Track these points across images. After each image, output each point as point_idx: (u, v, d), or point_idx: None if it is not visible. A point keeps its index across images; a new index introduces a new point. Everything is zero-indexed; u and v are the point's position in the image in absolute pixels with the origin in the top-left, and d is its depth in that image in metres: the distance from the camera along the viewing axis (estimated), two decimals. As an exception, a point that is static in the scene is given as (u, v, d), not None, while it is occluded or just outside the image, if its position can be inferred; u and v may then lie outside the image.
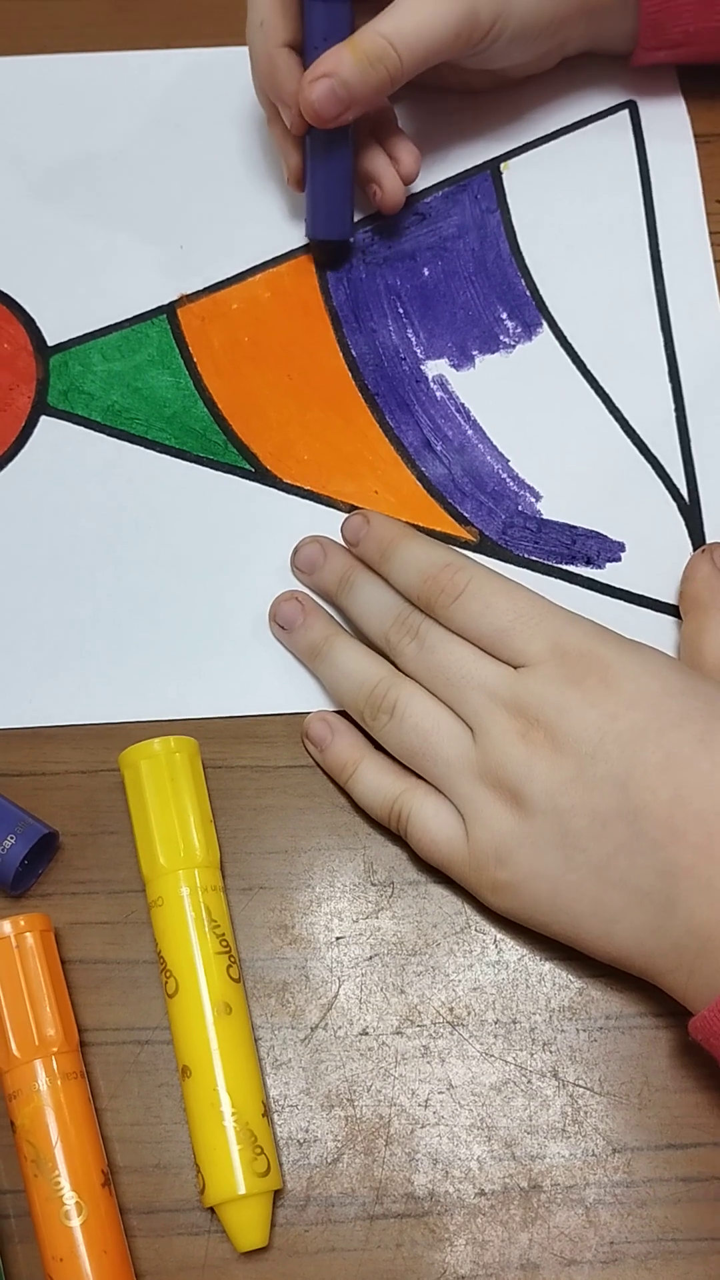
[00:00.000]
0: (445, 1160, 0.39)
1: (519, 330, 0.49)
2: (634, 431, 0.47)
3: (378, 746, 0.42)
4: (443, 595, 0.41)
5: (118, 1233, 0.37)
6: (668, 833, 0.36)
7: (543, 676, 0.39)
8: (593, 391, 0.48)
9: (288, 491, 0.47)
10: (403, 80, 0.45)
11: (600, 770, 0.37)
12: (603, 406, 0.48)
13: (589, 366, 0.49)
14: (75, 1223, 0.37)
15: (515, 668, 0.39)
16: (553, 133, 0.53)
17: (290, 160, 0.49)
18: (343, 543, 0.45)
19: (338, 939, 0.41)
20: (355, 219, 0.50)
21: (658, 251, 0.50)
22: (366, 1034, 0.40)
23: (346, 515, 0.45)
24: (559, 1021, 0.40)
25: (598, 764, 0.37)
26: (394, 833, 0.42)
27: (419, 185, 0.51)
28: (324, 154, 0.47)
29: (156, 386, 0.49)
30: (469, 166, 0.52)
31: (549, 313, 0.49)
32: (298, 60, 0.46)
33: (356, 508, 0.47)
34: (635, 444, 0.47)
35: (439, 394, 0.48)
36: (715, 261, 0.50)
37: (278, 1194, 0.38)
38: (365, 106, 0.45)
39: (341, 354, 0.49)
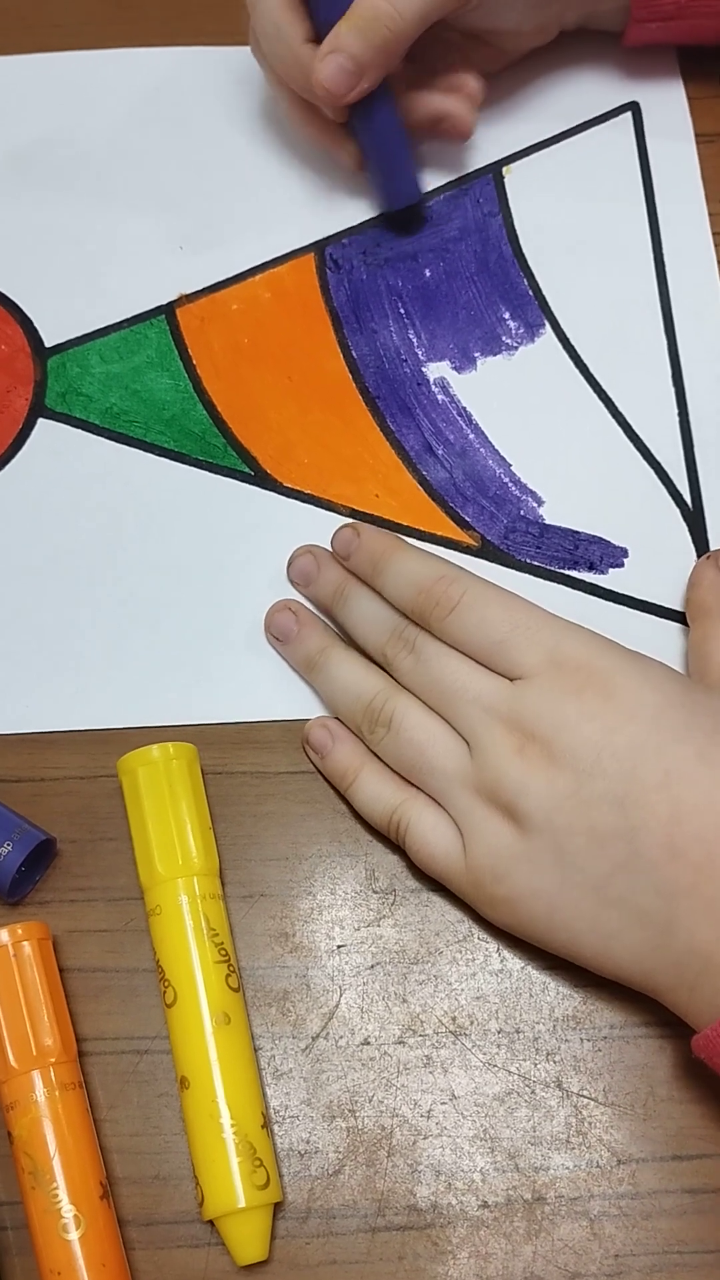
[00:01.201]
0: (448, 1172, 0.38)
1: (521, 331, 0.49)
2: (637, 436, 0.47)
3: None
4: (437, 609, 0.40)
5: (116, 1246, 0.37)
6: (667, 852, 0.36)
7: (539, 689, 0.38)
8: (595, 395, 0.48)
9: (287, 495, 0.47)
10: (407, 37, 0.45)
11: (598, 788, 0.37)
12: (605, 410, 0.48)
13: (592, 370, 0.48)
14: (73, 1236, 0.36)
15: (512, 680, 0.39)
16: (555, 136, 0.52)
17: (344, 150, 0.49)
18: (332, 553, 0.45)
19: (339, 947, 0.41)
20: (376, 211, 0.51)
21: (661, 254, 0.50)
22: (368, 1044, 0.40)
23: (338, 528, 0.44)
24: (563, 1031, 0.40)
25: (595, 781, 0.37)
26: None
27: (426, 187, 0.51)
28: (372, 127, 0.47)
29: (155, 389, 0.48)
30: (471, 170, 0.51)
31: (551, 313, 0.49)
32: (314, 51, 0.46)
33: (357, 512, 0.46)
34: (638, 448, 0.47)
35: (440, 397, 0.48)
36: (719, 264, 0.50)
37: (278, 1206, 0.38)
38: (379, 71, 0.45)
39: (342, 356, 0.49)
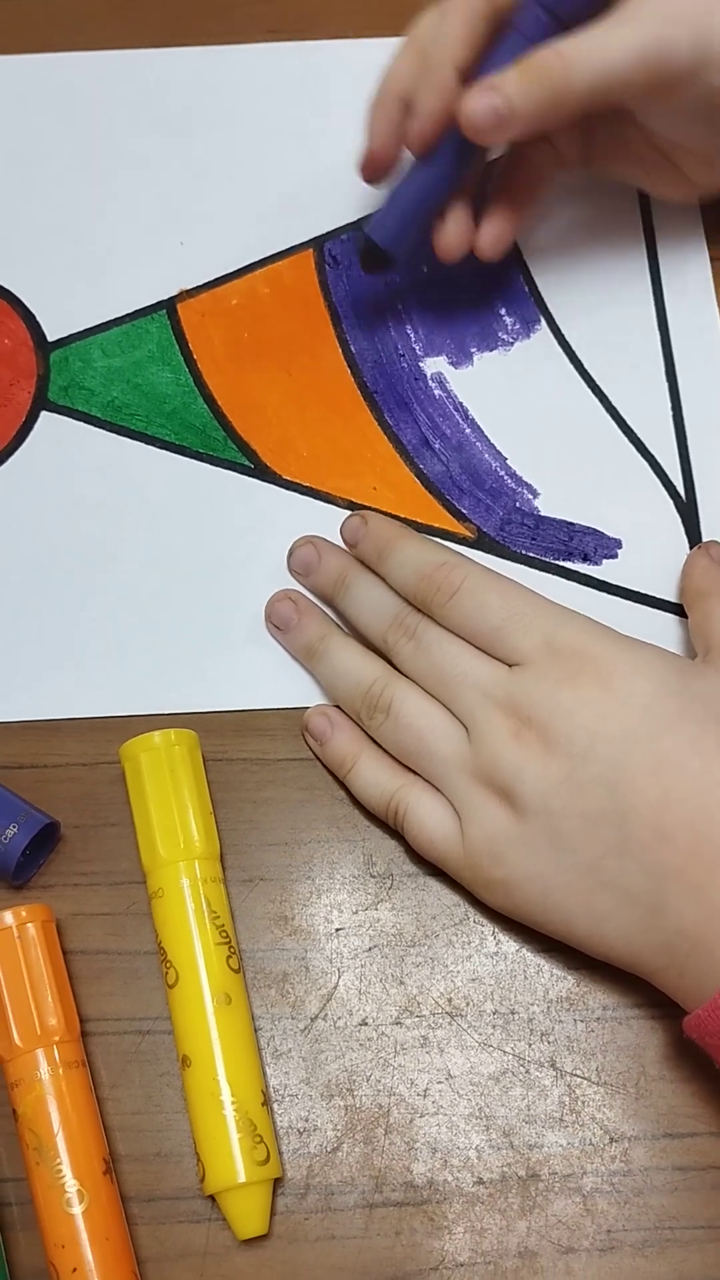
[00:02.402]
0: (444, 1149, 0.39)
1: (517, 327, 0.50)
2: (631, 429, 0.48)
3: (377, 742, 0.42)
4: (438, 594, 0.41)
5: (119, 1220, 0.37)
6: (656, 836, 0.36)
7: (535, 675, 0.39)
8: (590, 389, 0.49)
9: (287, 488, 0.48)
10: (571, 105, 0.42)
11: (591, 772, 0.37)
12: (600, 404, 0.48)
13: (586, 364, 0.49)
14: (77, 1210, 0.37)
15: (510, 666, 0.40)
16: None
17: (381, 163, 0.46)
18: (338, 543, 0.45)
19: (337, 930, 0.42)
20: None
21: (654, 248, 0.51)
22: (366, 1024, 0.40)
23: (346, 516, 0.45)
24: (557, 1012, 0.40)
25: (588, 766, 0.37)
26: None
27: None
28: (431, 173, 0.45)
29: (156, 382, 0.49)
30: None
31: (547, 309, 0.50)
32: (459, 85, 0.43)
33: (355, 504, 0.47)
34: (632, 441, 0.48)
35: (437, 392, 0.49)
36: (712, 259, 0.50)
37: (278, 1182, 0.39)
38: (526, 128, 0.42)
39: (341, 351, 0.49)
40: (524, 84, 0.41)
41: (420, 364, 0.49)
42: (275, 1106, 0.39)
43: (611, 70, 0.41)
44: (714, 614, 0.42)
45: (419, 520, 0.47)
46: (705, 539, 0.46)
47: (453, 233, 0.46)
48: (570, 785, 0.37)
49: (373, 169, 0.46)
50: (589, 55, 0.41)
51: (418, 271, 0.50)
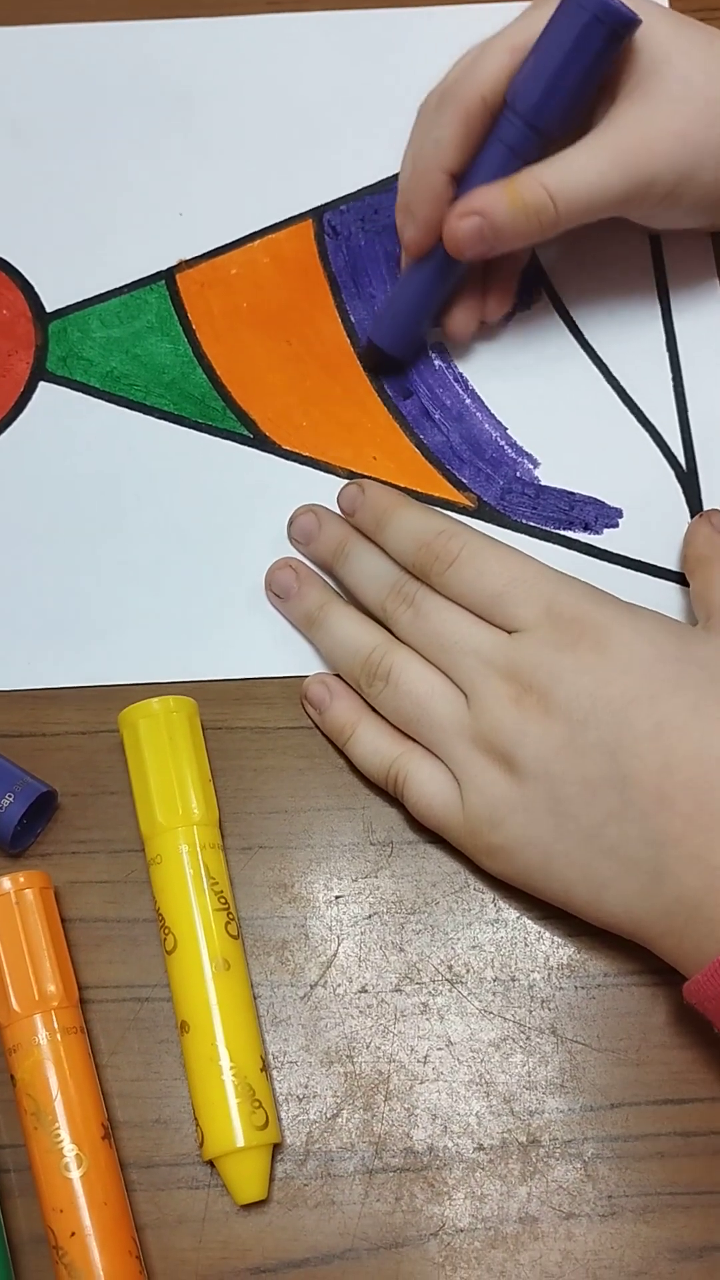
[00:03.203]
0: (444, 1115, 0.39)
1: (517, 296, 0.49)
2: (631, 399, 0.48)
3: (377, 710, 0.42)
4: (437, 562, 0.41)
5: (118, 1185, 0.37)
6: (656, 801, 0.36)
7: (536, 641, 0.39)
8: (590, 359, 0.48)
9: (286, 458, 0.47)
10: (556, 230, 0.43)
11: (591, 737, 0.37)
12: (600, 374, 0.48)
13: (586, 334, 0.49)
14: (75, 1174, 0.37)
15: (510, 633, 0.40)
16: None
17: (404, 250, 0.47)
18: (334, 512, 0.45)
19: (337, 898, 0.41)
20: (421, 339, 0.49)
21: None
22: (366, 991, 0.40)
23: (343, 485, 0.45)
24: (557, 979, 0.40)
25: (589, 730, 0.37)
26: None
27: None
28: (425, 276, 0.46)
29: (155, 353, 0.49)
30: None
31: (547, 278, 0.50)
32: (450, 190, 0.44)
33: (355, 474, 0.47)
34: (632, 411, 0.48)
35: (437, 362, 0.49)
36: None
37: (277, 1149, 0.38)
38: (507, 249, 0.44)
39: (340, 321, 0.49)
40: (508, 211, 0.42)
41: (420, 335, 0.49)
42: (275, 1073, 0.39)
43: (594, 201, 0.42)
44: (715, 580, 0.42)
45: (419, 490, 0.47)
46: (706, 508, 0.46)
47: (461, 321, 0.48)
48: (571, 750, 0.37)
49: (419, 257, 0.47)
50: (573, 188, 0.42)
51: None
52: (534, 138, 0.43)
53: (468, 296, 0.47)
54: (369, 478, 0.47)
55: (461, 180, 0.44)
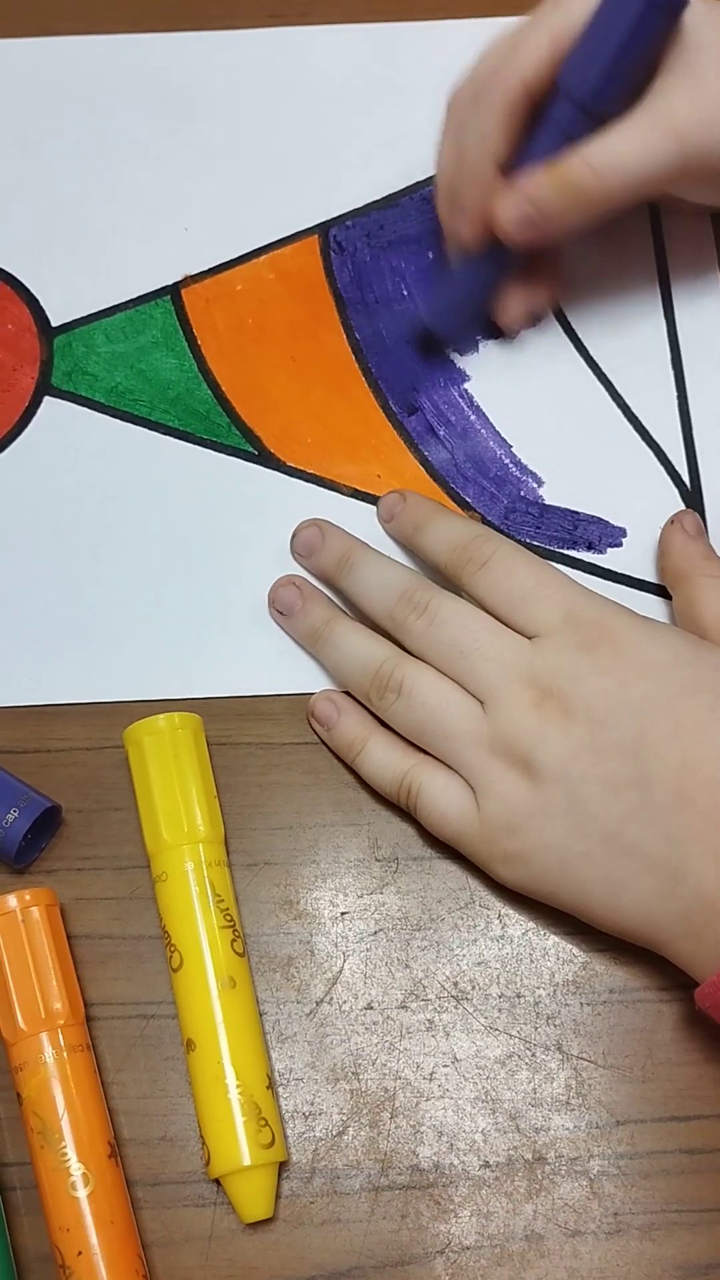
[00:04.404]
0: (450, 1133, 0.39)
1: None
2: (636, 417, 0.48)
3: (384, 724, 0.42)
4: (470, 563, 0.42)
5: (124, 1204, 0.37)
6: (677, 799, 0.37)
7: (557, 645, 0.39)
8: (595, 377, 0.49)
9: (290, 474, 0.47)
10: (603, 210, 0.43)
11: (611, 737, 0.38)
12: (605, 392, 0.48)
13: (591, 352, 0.49)
14: (82, 1193, 0.37)
15: (529, 639, 0.40)
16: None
17: (454, 244, 0.47)
18: (338, 525, 0.45)
19: (342, 914, 0.41)
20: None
21: (661, 235, 0.51)
22: (371, 1008, 0.40)
23: (386, 494, 0.46)
24: (563, 995, 0.40)
25: (609, 731, 0.38)
26: (401, 809, 0.42)
27: (425, 172, 0.51)
28: (477, 262, 0.46)
29: (160, 368, 0.49)
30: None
31: (553, 297, 0.50)
32: (497, 177, 0.44)
33: (360, 491, 0.47)
34: (637, 430, 0.48)
35: (443, 378, 0.49)
36: (717, 243, 0.50)
37: (283, 1166, 0.38)
38: (557, 232, 0.44)
39: (345, 337, 0.49)
40: (556, 193, 0.42)
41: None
42: (280, 1090, 0.39)
43: (643, 176, 0.42)
44: (700, 600, 0.42)
45: (423, 507, 0.47)
46: (712, 528, 0.46)
47: (514, 311, 0.48)
48: (592, 751, 0.38)
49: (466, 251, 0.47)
50: (621, 165, 0.42)
51: (423, 257, 0.50)
52: (587, 122, 0.42)
53: (519, 287, 0.48)
54: (373, 497, 0.47)
55: (510, 169, 0.44)
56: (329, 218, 0.51)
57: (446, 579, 0.43)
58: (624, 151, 0.42)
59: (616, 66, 0.41)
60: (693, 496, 0.47)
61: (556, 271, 0.49)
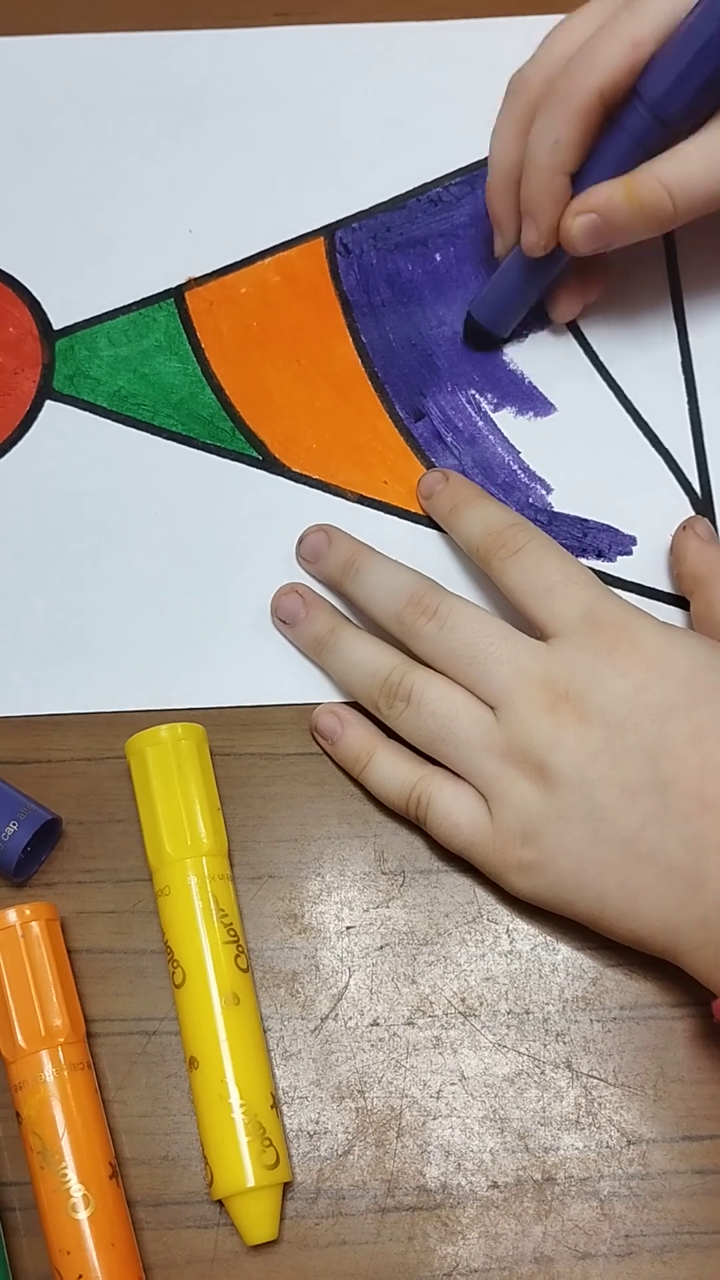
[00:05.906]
0: (457, 1152, 0.38)
1: (531, 317, 0.49)
2: (646, 424, 0.47)
3: (389, 735, 0.42)
4: (503, 549, 0.41)
5: (125, 1225, 0.36)
6: (698, 805, 0.36)
7: (573, 646, 0.39)
8: (605, 383, 0.48)
9: (295, 480, 0.47)
10: (670, 226, 0.43)
11: (629, 741, 0.37)
12: (615, 398, 0.48)
13: (601, 357, 0.48)
14: (83, 1215, 0.36)
15: (544, 641, 0.40)
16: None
17: (503, 240, 0.47)
18: (345, 531, 0.45)
19: (348, 928, 0.41)
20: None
21: (672, 240, 0.50)
22: (377, 1024, 0.40)
23: (424, 473, 0.46)
24: (573, 1012, 0.40)
25: (627, 734, 0.37)
26: (409, 821, 0.41)
27: (432, 173, 0.51)
28: (533, 263, 0.46)
29: (164, 372, 0.48)
30: (483, 156, 0.51)
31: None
32: (569, 190, 0.43)
33: (365, 497, 0.46)
34: (647, 436, 0.47)
35: (450, 384, 0.48)
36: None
37: (288, 1186, 0.38)
38: (623, 244, 0.44)
39: (352, 340, 0.49)
40: (627, 209, 0.42)
41: (432, 355, 0.48)
42: (285, 1109, 0.39)
43: (711, 201, 0.42)
44: (718, 603, 0.42)
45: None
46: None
47: (565, 305, 0.48)
48: (608, 754, 0.37)
49: (507, 250, 0.47)
50: (693, 184, 0.41)
51: (430, 260, 0.50)
52: (663, 132, 0.42)
53: (571, 280, 0.47)
54: (379, 503, 0.46)
55: (580, 174, 0.43)
56: (335, 220, 0.50)
57: (475, 562, 0.42)
58: (697, 174, 0.41)
59: (706, 80, 0.40)
60: (704, 505, 0.46)
61: (606, 264, 0.48)
